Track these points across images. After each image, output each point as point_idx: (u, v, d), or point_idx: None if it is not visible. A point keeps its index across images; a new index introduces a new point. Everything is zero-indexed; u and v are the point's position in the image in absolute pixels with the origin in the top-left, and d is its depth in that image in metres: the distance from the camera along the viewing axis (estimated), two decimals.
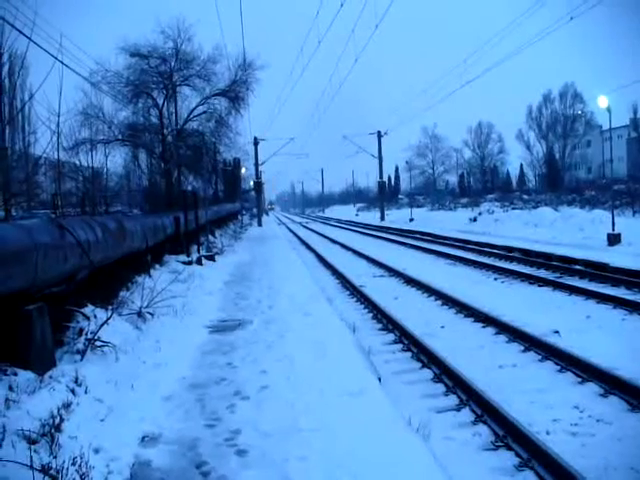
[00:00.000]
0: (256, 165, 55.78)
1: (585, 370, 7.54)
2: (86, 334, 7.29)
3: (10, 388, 5.36)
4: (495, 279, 16.50)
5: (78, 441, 4.79)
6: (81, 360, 6.79)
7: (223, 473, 4.65)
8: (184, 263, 16.27)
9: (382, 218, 58.61)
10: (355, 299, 14.37)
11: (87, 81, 20.35)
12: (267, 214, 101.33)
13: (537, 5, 20.54)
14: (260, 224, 56.08)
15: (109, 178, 18.61)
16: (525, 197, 50.81)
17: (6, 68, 17.86)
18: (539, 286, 14.71)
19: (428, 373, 8.13)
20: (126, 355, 7.50)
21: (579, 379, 7.46)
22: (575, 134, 71.31)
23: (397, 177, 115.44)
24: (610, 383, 7.04)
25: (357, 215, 79.51)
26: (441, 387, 7.54)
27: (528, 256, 20.15)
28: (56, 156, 12.36)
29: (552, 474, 4.96)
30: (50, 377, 5.93)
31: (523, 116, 73.89)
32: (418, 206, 65.64)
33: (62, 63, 11.49)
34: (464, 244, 26.65)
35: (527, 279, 15.65)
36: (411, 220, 48.04)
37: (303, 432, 5.34)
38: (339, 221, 68.18)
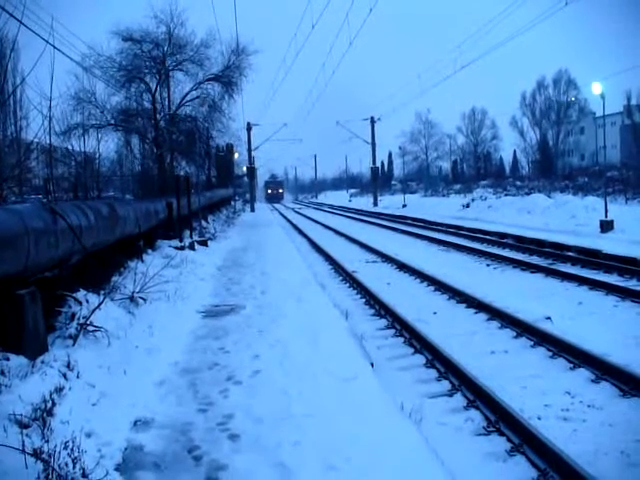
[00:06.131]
0: (249, 150, 55.69)
1: (577, 356, 7.57)
2: (78, 319, 7.25)
3: (2, 372, 5.34)
4: (488, 265, 16.54)
5: (70, 425, 4.77)
6: (73, 345, 6.76)
7: (215, 457, 4.66)
8: (177, 248, 16.19)
9: (375, 204, 58.61)
10: (348, 285, 14.37)
11: (79, 65, 20.14)
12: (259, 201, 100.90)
13: None
14: (253, 210, 56.05)
15: (101, 163, 18.47)
16: (518, 184, 50.77)
17: None
18: (532, 272, 14.75)
19: (420, 359, 8.14)
20: (118, 340, 7.47)
21: (571, 365, 7.49)
22: (569, 121, 71.14)
23: (390, 163, 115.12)
24: (601, 369, 7.07)
25: (350, 201, 79.29)
26: (433, 373, 7.56)
27: (521, 242, 20.20)
28: (48, 141, 12.24)
29: (543, 459, 4.99)
30: (42, 362, 5.90)
31: (517, 102, 73.67)
32: (411, 192, 65.60)
33: (54, 47, 11.34)
34: (457, 230, 26.70)
35: (520, 265, 15.69)
36: (404, 206, 47.93)
37: (296, 417, 5.35)
38: (332, 207, 67.95)
